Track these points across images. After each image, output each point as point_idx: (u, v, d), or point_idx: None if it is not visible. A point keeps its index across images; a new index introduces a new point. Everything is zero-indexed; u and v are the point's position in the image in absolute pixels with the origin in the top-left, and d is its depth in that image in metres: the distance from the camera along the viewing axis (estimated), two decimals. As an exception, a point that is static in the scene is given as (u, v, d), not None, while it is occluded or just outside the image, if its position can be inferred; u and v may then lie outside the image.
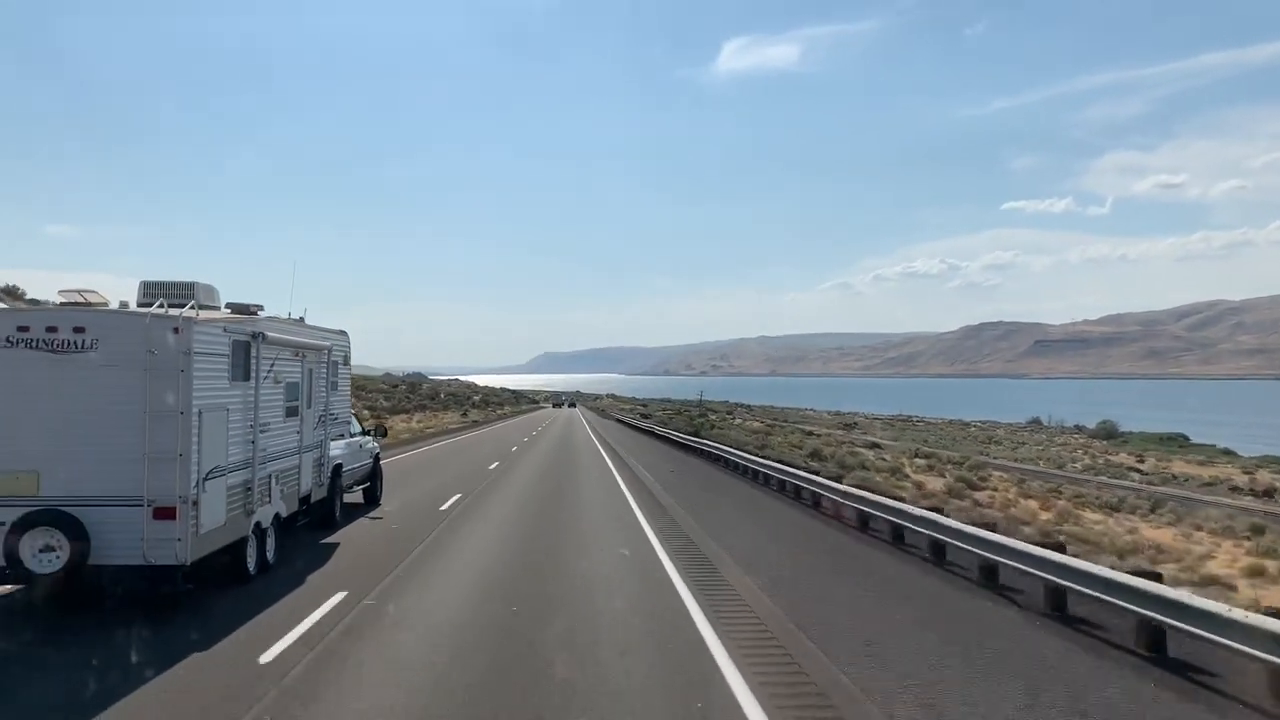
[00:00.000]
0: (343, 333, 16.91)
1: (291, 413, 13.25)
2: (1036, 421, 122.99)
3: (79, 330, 9.49)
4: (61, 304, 10.10)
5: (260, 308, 12.12)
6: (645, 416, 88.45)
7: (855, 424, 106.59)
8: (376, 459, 19.72)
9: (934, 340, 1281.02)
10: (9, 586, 10.13)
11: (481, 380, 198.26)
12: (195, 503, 9.66)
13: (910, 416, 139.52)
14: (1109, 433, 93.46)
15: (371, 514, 17.85)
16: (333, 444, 15.97)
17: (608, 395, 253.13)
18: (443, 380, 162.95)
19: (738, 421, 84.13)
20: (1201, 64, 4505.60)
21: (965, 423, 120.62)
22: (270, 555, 12.13)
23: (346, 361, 17.48)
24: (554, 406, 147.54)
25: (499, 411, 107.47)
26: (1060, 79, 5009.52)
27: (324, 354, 15.12)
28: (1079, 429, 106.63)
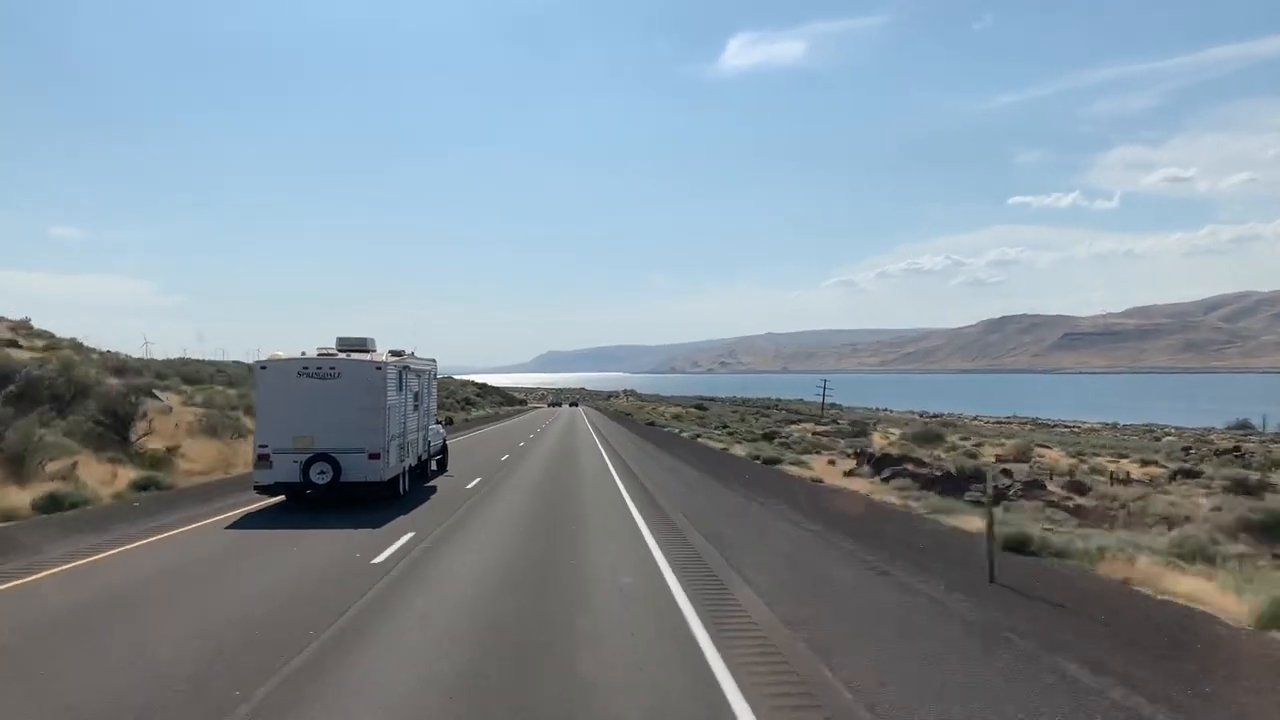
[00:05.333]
0: (433, 360, 28.23)
1: (415, 409, 24.65)
2: (1246, 425, 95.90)
3: (332, 369, 20.76)
4: (319, 354, 21.41)
5: (404, 351, 23.60)
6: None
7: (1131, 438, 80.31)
8: (445, 440, 31.15)
9: (952, 335, 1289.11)
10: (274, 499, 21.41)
11: (481, 379, 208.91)
12: (387, 451, 20.93)
13: (1036, 419, 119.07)
14: None
15: (445, 474, 29.17)
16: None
17: (624, 393, 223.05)
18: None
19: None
20: (1210, 57, 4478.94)
21: (1152, 429, 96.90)
22: (407, 487, 23.46)
23: (435, 377, 29.01)
24: (550, 406, 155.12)
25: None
26: (1068, 73, 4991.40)
27: (427, 374, 26.62)
28: None
